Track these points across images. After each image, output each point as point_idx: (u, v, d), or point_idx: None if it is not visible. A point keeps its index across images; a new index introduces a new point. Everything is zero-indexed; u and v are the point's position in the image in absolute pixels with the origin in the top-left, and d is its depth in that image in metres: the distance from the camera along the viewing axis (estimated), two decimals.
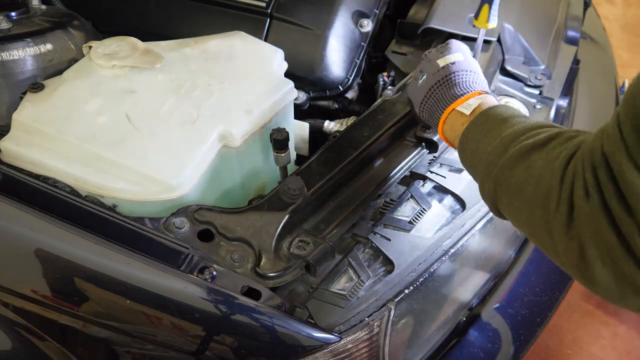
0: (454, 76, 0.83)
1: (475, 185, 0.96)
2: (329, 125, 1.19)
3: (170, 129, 0.92)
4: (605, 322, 1.80)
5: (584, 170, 0.53)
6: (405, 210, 0.91)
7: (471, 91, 0.81)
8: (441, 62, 0.85)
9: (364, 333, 0.77)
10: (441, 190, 0.96)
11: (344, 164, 0.90)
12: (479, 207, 0.94)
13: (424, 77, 0.87)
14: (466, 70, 0.84)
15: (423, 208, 0.91)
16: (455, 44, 0.88)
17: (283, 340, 0.73)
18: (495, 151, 0.68)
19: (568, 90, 1.30)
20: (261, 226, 0.82)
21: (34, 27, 1.05)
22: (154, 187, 0.87)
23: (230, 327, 0.73)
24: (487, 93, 0.82)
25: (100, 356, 0.80)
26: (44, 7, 1.16)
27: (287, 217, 0.82)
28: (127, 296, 0.73)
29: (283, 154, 0.95)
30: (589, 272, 0.53)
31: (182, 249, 0.77)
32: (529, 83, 1.15)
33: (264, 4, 1.21)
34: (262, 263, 0.79)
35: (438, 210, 0.93)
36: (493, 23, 0.94)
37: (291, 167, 1.06)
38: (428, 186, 0.96)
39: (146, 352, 0.77)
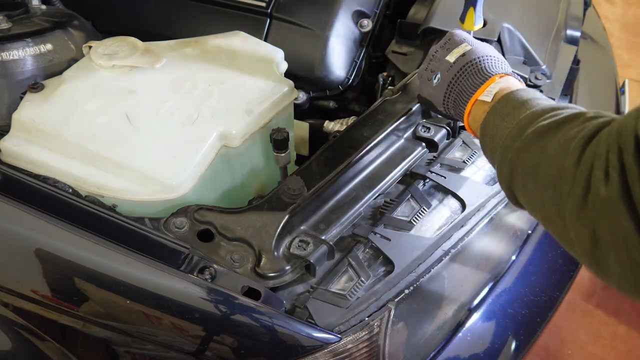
0: (469, 66, 0.81)
1: (475, 185, 0.96)
2: (329, 125, 1.19)
3: (170, 129, 0.92)
4: (605, 322, 1.80)
5: (608, 152, 0.49)
6: (405, 210, 0.91)
7: (489, 76, 0.79)
8: (451, 58, 0.83)
9: (364, 333, 0.77)
10: (441, 190, 0.96)
11: (344, 164, 0.90)
12: (478, 207, 0.94)
13: (438, 75, 0.85)
14: (479, 57, 0.81)
15: (423, 208, 0.91)
16: (457, 35, 0.86)
17: (283, 340, 0.73)
18: (511, 134, 0.66)
19: (568, 90, 1.30)
20: (261, 226, 0.82)
21: (34, 27, 1.05)
22: (154, 187, 0.87)
23: (230, 327, 0.73)
24: (507, 74, 0.80)
25: (100, 356, 0.80)
26: (44, 7, 1.16)
27: (287, 217, 0.82)
28: (127, 296, 0.73)
29: (283, 154, 0.95)
30: (602, 260, 0.51)
31: (182, 249, 0.77)
32: (529, 83, 1.15)
33: (264, 4, 1.21)
34: (262, 263, 0.79)
35: (438, 210, 0.93)
36: (479, 24, 0.94)
37: (291, 167, 1.06)
38: (428, 186, 0.96)
39: (146, 352, 0.77)
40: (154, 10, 1.27)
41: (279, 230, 0.81)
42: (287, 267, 0.79)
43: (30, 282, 0.76)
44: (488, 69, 0.80)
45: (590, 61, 1.49)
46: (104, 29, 1.19)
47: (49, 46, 1.03)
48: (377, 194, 0.93)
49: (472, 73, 0.80)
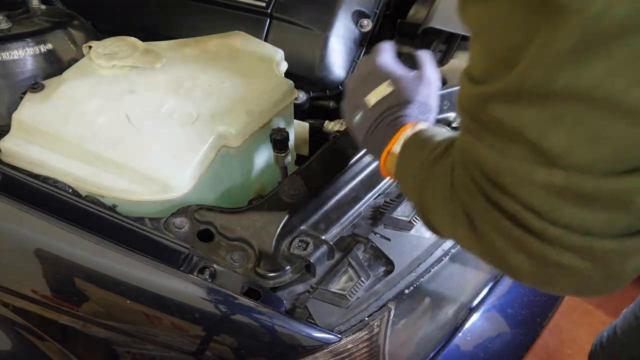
0: (386, 116, 0.75)
1: None
2: (329, 125, 1.19)
3: (170, 129, 0.92)
4: (605, 322, 1.80)
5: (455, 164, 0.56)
6: (405, 210, 0.91)
7: (400, 128, 0.74)
8: (370, 99, 0.77)
9: (364, 333, 0.77)
10: None
11: (344, 164, 0.90)
12: None
13: (360, 114, 0.78)
14: (397, 105, 0.75)
15: None
16: (379, 69, 0.80)
17: (283, 340, 0.73)
18: (415, 172, 0.66)
19: None
20: (261, 226, 0.82)
21: (34, 27, 1.05)
22: (154, 187, 0.87)
23: (230, 327, 0.73)
24: (418, 122, 0.74)
25: (100, 356, 0.80)
26: (44, 7, 1.16)
27: (287, 217, 0.82)
28: (127, 296, 0.73)
29: (283, 154, 0.95)
30: (462, 230, 0.55)
31: (182, 249, 0.77)
32: None
33: (264, 4, 1.21)
34: (262, 263, 0.79)
35: None
36: None
37: (291, 167, 1.06)
38: None
39: (146, 352, 0.77)
40: (154, 10, 1.27)
41: (279, 230, 0.81)
42: (287, 267, 0.79)
43: (30, 282, 0.76)
44: (402, 119, 0.75)
45: None
46: (104, 29, 1.19)
47: (49, 46, 1.03)
48: (377, 194, 0.93)
49: (389, 125, 0.75)
